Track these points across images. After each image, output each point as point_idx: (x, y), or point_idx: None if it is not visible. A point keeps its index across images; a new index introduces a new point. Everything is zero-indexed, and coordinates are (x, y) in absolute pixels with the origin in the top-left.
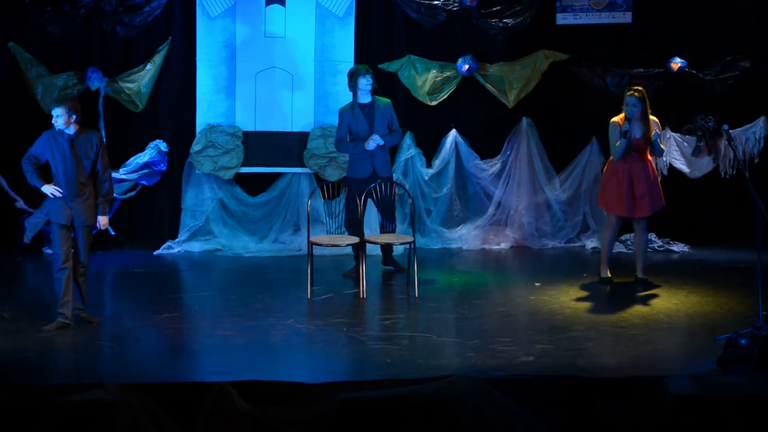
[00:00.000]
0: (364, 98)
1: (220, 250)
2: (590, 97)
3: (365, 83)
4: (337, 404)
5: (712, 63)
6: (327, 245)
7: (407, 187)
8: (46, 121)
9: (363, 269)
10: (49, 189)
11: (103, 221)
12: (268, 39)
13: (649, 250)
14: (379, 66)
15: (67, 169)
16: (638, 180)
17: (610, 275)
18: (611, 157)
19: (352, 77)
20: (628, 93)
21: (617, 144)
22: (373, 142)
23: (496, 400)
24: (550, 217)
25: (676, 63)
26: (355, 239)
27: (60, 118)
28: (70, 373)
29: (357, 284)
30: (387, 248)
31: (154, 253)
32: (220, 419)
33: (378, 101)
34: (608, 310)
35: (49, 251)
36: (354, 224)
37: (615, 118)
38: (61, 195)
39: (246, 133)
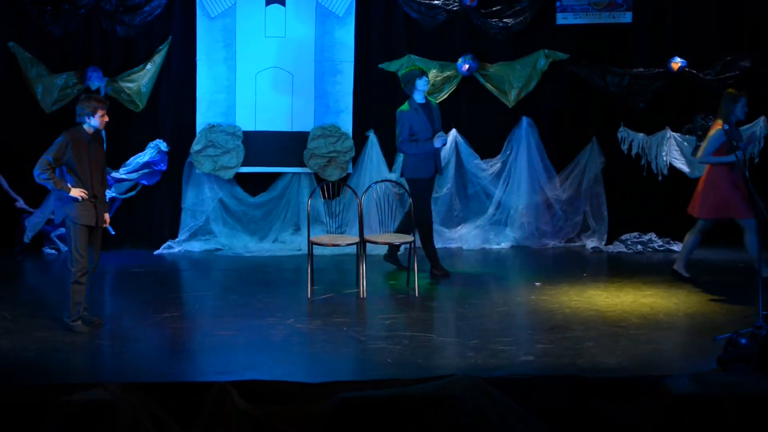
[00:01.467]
0: (421, 98)
1: (220, 249)
2: (590, 97)
3: (422, 84)
4: (337, 404)
5: (712, 63)
6: (327, 245)
7: (407, 186)
8: (46, 121)
9: (363, 269)
10: (77, 192)
11: (107, 219)
12: (268, 39)
13: (649, 249)
14: (379, 66)
15: (92, 169)
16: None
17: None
18: (714, 163)
19: (410, 80)
20: (741, 93)
21: (722, 153)
22: (440, 139)
23: (496, 399)
24: (550, 217)
25: (677, 63)
26: (355, 239)
27: (105, 116)
28: (70, 372)
29: (357, 284)
30: (394, 246)
31: (155, 252)
32: (220, 419)
33: (431, 101)
34: (608, 310)
35: (50, 251)
36: (430, 225)
37: (718, 126)
38: (88, 197)
39: (246, 133)
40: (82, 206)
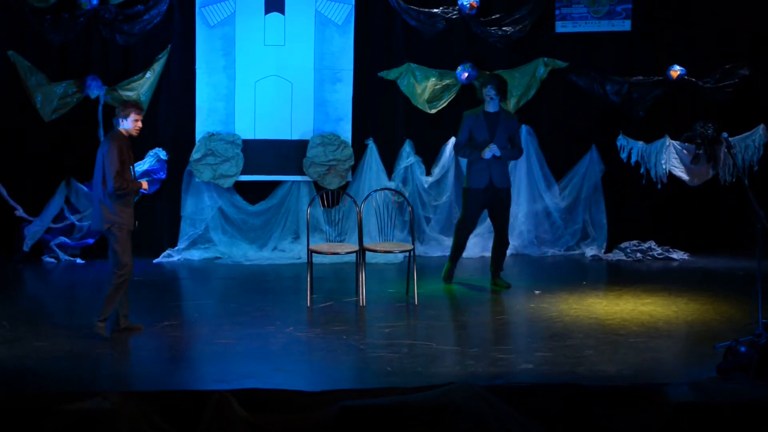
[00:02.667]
0: (491, 107)
1: (219, 258)
2: (590, 105)
3: (484, 93)
4: (337, 412)
5: (711, 71)
6: (326, 253)
7: (407, 194)
8: (46, 129)
9: (363, 277)
10: (146, 184)
11: None
12: (267, 47)
13: (648, 257)
14: (379, 74)
15: (132, 173)
16: None
17: None
18: None
19: (477, 87)
20: None
21: None
22: (490, 151)
23: (496, 408)
24: (549, 225)
25: (676, 71)
26: (354, 247)
27: (139, 122)
28: (69, 381)
29: (356, 292)
30: (497, 264)
31: (154, 261)
32: (219, 427)
33: (504, 113)
34: (608, 318)
35: (49, 260)
36: (466, 236)
37: None
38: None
39: (245, 141)
40: (127, 211)
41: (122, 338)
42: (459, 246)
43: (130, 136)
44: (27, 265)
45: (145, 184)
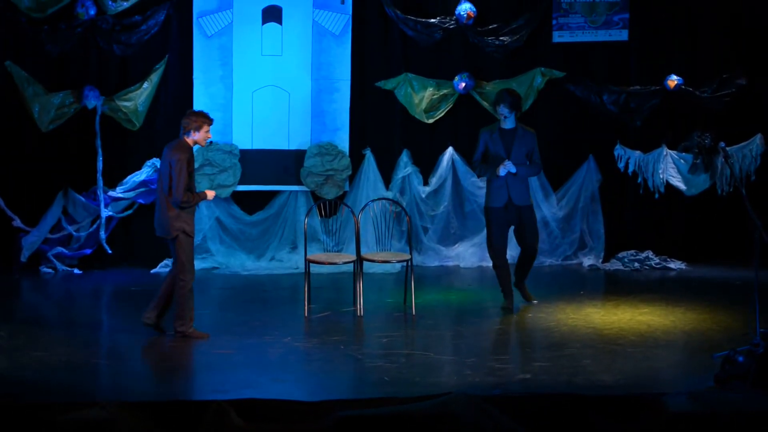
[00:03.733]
0: (506, 124)
1: (217, 268)
2: (587, 115)
3: (498, 113)
4: (334, 422)
5: (708, 80)
6: (324, 263)
7: (404, 204)
8: (43, 140)
9: (360, 287)
10: (212, 193)
11: None
12: (264, 57)
13: (646, 267)
14: (376, 84)
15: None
16: None
17: None
18: None
19: (493, 107)
20: None
21: None
22: (504, 168)
23: (494, 418)
24: (547, 235)
25: (673, 80)
26: (352, 257)
27: (209, 134)
28: (67, 391)
29: (354, 302)
30: (521, 275)
31: (151, 271)
32: None
33: (521, 129)
34: (605, 327)
35: (46, 270)
36: (500, 257)
37: None
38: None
39: (243, 152)
40: (192, 219)
41: (119, 349)
42: (500, 270)
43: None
44: (24, 276)
45: (210, 194)
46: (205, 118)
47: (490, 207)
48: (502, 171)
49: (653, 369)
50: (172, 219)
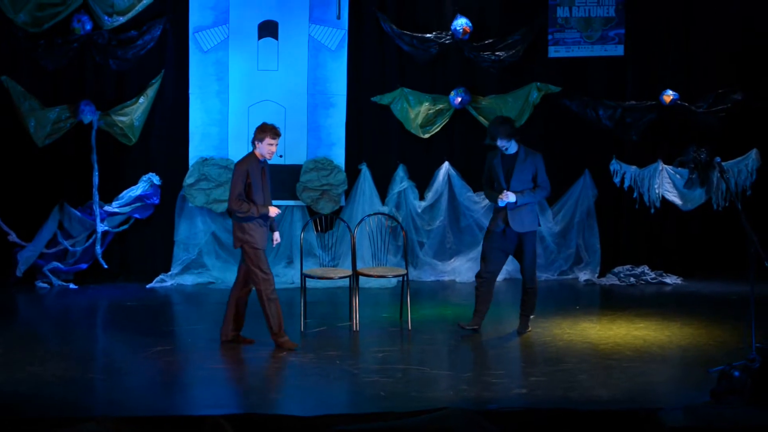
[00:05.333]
0: (509, 150)
1: (213, 283)
2: (583, 130)
3: (497, 146)
4: None
5: (704, 95)
6: (320, 278)
7: (400, 219)
8: (39, 154)
9: (356, 302)
10: (274, 210)
11: (277, 237)
12: (260, 72)
13: (642, 282)
14: (372, 99)
15: (265, 193)
16: None
17: None
18: None
19: (490, 142)
20: None
21: None
22: (502, 201)
23: None
24: (542, 250)
25: (669, 95)
26: (348, 271)
27: (273, 147)
28: (62, 406)
29: (350, 317)
30: (523, 309)
31: (147, 286)
32: None
33: (524, 153)
34: (601, 342)
35: (42, 285)
36: (485, 278)
37: None
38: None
39: None
40: (259, 231)
41: (114, 364)
42: (479, 291)
43: (263, 161)
44: (20, 291)
45: (273, 210)
46: (266, 132)
47: (490, 230)
48: (500, 203)
49: (649, 384)
50: (235, 230)
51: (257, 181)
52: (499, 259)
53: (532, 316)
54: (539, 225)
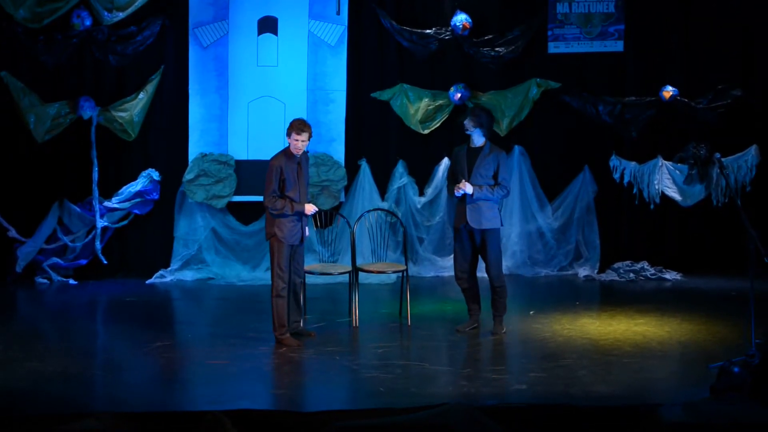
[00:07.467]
0: (474, 142)
1: (212, 278)
2: (582, 126)
3: (464, 123)
4: None
5: (704, 91)
6: (319, 274)
7: (400, 215)
8: (39, 150)
9: (356, 298)
10: (310, 208)
11: (306, 232)
12: (260, 68)
13: (641, 278)
14: (372, 95)
15: (300, 188)
16: None
17: None
18: None
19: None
20: None
21: None
22: (459, 191)
23: (489, 428)
24: (542, 246)
25: (668, 91)
26: (347, 267)
27: (298, 142)
28: (62, 402)
29: (350, 312)
30: (493, 308)
31: (147, 282)
32: None
33: (489, 149)
34: (601, 338)
35: (42, 280)
36: (461, 277)
37: None
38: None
39: (238, 162)
40: (291, 227)
41: (114, 360)
42: (464, 290)
43: (297, 157)
44: (19, 286)
45: (309, 208)
46: (292, 127)
47: (454, 227)
48: (456, 193)
49: (649, 380)
50: (267, 223)
51: (291, 176)
52: (468, 256)
53: (522, 314)
54: (501, 224)
